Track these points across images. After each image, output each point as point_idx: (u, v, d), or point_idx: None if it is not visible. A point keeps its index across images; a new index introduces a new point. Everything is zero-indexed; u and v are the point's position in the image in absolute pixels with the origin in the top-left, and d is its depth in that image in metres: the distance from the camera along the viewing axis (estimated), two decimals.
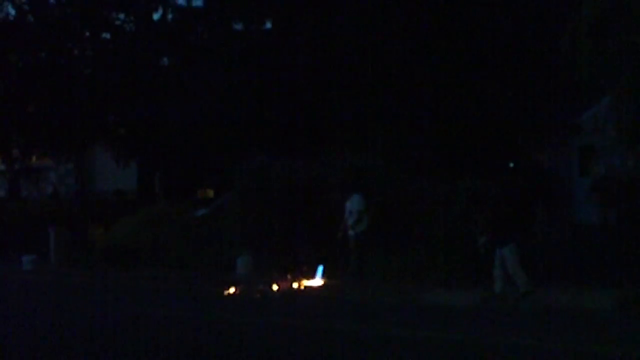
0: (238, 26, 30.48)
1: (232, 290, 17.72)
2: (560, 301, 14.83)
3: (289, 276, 18.70)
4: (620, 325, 12.92)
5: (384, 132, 23.61)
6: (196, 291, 18.66)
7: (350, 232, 18.76)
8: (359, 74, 24.61)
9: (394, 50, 23.43)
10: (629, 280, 15.22)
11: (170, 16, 32.18)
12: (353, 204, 18.81)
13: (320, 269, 18.47)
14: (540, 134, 23.90)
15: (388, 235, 18.82)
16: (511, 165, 23.06)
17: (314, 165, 21.76)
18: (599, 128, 21.39)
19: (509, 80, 23.16)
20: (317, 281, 18.34)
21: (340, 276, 18.47)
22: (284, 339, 12.45)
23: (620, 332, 12.37)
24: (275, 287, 17.69)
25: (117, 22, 32.59)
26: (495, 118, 23.00)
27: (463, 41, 23.21)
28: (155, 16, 32.41)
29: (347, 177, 20.15)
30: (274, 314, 14.92)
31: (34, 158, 36.98)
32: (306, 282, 18.26)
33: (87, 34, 32.92)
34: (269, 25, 30.35)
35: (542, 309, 14.34)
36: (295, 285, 18.12)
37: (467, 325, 13.16)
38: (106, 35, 33.01)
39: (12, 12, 32.52)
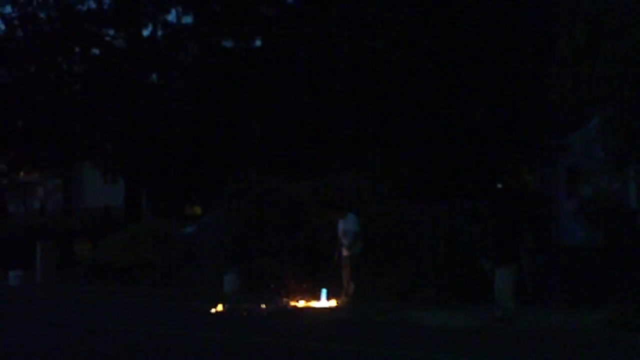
0: (228, 43, 30.62)
1: (218, 308, 17.62)
2: (547, 322, 14.82)
3: (276, 295, 18.55)
4: (607, 345, 12.96)
5: (374, 153, 23.58)
6: (181, 309, 18.57)
7: (346, 253, 18.36)
8: (349, 96, 24.65)
9: (384, 71, 23.47)
10: (616, 301, 15.23)
11: (159, 33, 32.26)
12: (348, 224, 18.34)
13: (324, 292, 18.15)
14: (528, 154, 23.96)
15: (376, 255, 18.73)
16: (499, 186, 23.06)
17: (303, 184, 21.76)
18: (586, 150, 21.42)
19: (499, 101, 23.23)
20: (322, 303, 18.02)
21: (333, 297, 18.26)
22: (265, 357, 12.39)
23: (607, 353, 12.40)
24: (262, 306, 17.58)
25: (107, 38, 32.65)
26: (484, 139, 23.05)
27: (452, 62, 23.29)
28: (145, 32, 32.51)
29: (334, 197, 20.09)
30: (258, 333, 14.84)
31: (21, 173, 36.95)
32: (296, 302, 18.10)
33: (77, 49, 32.95)
34: (259, 42, 30.53)
35: (529, 331, 14.32)
36: (282, 304, 17.99)
37: (444, 347, 13.14)
38: (95, 51, 33.06)
39: (2, 26, 32.61)
